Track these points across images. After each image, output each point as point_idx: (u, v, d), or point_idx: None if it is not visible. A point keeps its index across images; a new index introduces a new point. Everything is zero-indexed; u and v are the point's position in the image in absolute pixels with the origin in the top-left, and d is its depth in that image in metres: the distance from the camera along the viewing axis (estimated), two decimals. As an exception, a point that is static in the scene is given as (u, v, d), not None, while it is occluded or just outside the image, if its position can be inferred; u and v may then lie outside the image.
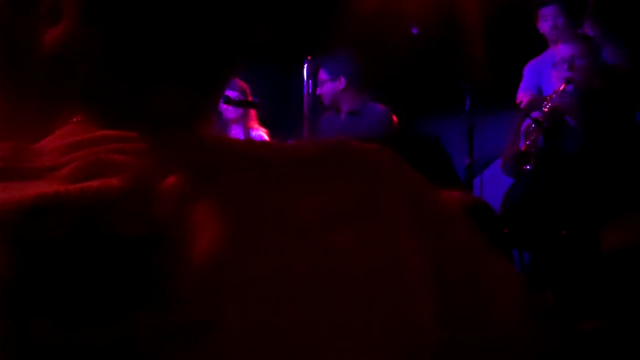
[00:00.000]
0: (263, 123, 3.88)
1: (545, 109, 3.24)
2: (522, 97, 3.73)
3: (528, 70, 3.79)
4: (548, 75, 3.48)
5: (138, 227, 0.42)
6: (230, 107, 3.71)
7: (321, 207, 0.47)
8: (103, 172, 0.44)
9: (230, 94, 3.61)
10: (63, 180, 0.44)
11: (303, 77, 3.30)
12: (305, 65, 3.30)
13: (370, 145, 0.51)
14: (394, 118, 3.88)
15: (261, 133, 3.79)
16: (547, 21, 3.57)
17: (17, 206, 0.42)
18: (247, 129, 3.79)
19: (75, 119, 0.48)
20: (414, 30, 4.37)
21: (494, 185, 3.54)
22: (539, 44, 3.75)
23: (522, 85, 3.79)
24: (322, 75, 3.92)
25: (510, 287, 0.52)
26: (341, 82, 3.93)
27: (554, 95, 3.28)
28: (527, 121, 3.31)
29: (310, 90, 3.34)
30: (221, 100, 3.52)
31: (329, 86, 3.93)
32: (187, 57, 0.49)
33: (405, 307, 0.46)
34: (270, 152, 0.49)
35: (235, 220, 0.44)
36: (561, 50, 3.37)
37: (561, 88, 3.26)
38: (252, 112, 3.85)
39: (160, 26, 0.48)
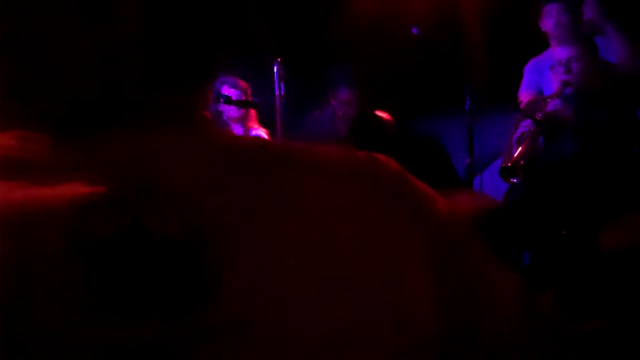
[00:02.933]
0: (263, 123, 3.88)
1: (540, 114, 3.24)
2: (524, 96, 3.73)
3: (528, 69, 3.79)
4: (548, 75, 3.48)
5: (183, 228, 0.43)
6: (230, 107, 3.71)
7: (331, 214, 0.48)
8: (149, 172, 0.45)
9: (231, 93, 3.61)
10: (110, 178, 0.44)
11: (274, 78, 3.31)
12: (275, 67, 3.31)
13: (379, 156, 0.52)
14: (390, 119, 3.87)
15: (261, 133, 3.79)
16: (551, 17, 3.56)
17: (68, 203, 0.42)
18: (247, 129, 3.79)
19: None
20: (414, 30, 4.37)
21: (494, 185, 3.54)
22: (540, 44, 3.75)
23: (523, 84, 3.78)
24: (349, 95, 3.86)
25: (511, 292, 0.53)
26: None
27: (549, 101, 3.28)
28: (519, 130, 3.30)
29: (282, 92, 3.35)
30: (221, 100, 3.53)
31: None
32: (185, 49, 0.49)
33: (407, 314, 0.47)
34: (283, 155, 0.50)
35: (269, 221, 0.46)
36: (558, 53, 3.37)
37: (558, 91, 3.26)
38: (252, 112, 3.85)
39: (177, 21, 0.48)
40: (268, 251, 0.44)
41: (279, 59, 3.31)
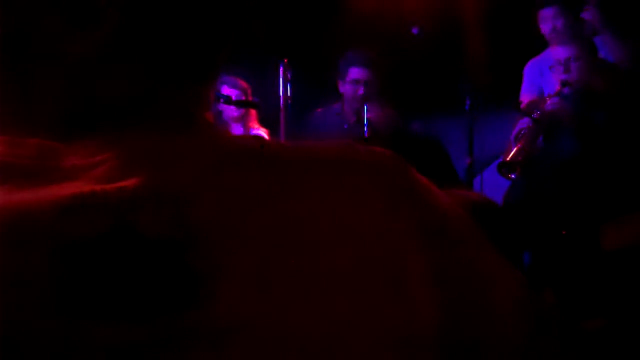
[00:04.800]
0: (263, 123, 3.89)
1: (537, 113, 3.24)
2: (525, 98, 3.73)
3: (528, 70, 3.80)
4: (548, 75, 3.49)
5: (173, 229, 0.43)
6: (230, 107, 3.71)
7: (329, 209, 0.47)
8: (138, 171, 0.44)
9: (231, 93, 3.61)
10: (98, 180, 0.44)
11: (279, 78, 3.31)
12: (281, 68, 3.30)
13: (379, 149, 0.52)
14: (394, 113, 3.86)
15: (261, 133, 3.79)
16: (546, 23, 3.57)
17: (54, 205, 0.42)
18: (247, 129, 3.79)
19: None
20: (414, 30, 4.37)
21: (494, 185, 3.55)
22: (539, 44, 3.75)
23: (524, 85, 3.79)
24: (361, 73, 3.80)
25: (511, 289, 0.53)
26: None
27: (547, 100, 3.28)
28: (518, 127, 3.31)
29: (288, 93, 3.34)
30: (221, 100, 3.53)
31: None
32: (184, 49, 0.49)
33: (406, 308, 0.47)
34: (281, 152, 0.50)
35: (263, 221, 0.45)
36: (557, 53, 3.38)
37: (557, 90, 3.27)
38: (253, 112, 3.86)
39: (173, 20, 0.47)
40: (264, 251, 0.44)
41: (285, 60, 3.31)
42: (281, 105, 3.37)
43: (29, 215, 0.42)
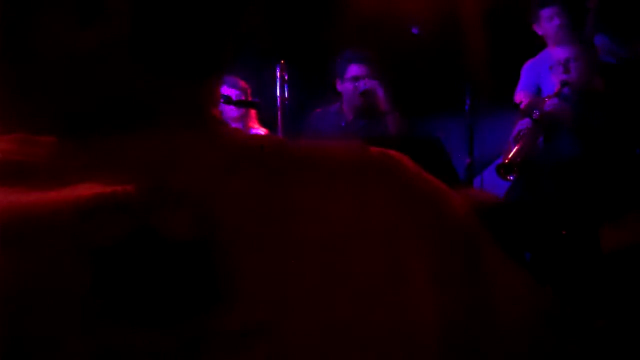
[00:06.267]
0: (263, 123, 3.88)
1: (537, 113, 3.24)
2: (521, 96, 3.74)
3: (526, 70, 3.80)
4: (547, 75, 3.49)
5: (194, 229, 0.42)
6: (230, 107, 3.71)
7: (342, 211, 0.47)
8: (154, 171, 0.44)
9: (231, 93, 3.61)
10: (114, 181, 0.43)
11: (276, 79, 3.31)
12: (278, 69, 3.30)
13: (389, 151, 0.52)
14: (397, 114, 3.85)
15: (261, 133, 3.79)
16: (551, 21, 3.58)
17: (73, 207, 0.41)
18: (247, 129, 3.79)
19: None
20: (414, 30, 4.36)
21: (494, 185, 3.55)
22: (538, 44, 3.75)
23: (520, 84, 3.79)
24: (360, 70, 3.75)
25: (515, 288, 0.53)
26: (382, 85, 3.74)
27: (547, 100, 3.28)
28: (518, 127, 3.30)
29: (285, 94, 3.33)
30: (222, 100, 3.53)
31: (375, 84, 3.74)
32: (190, 44, 0.49)
33: (409, 309, 0.47)
34: (295, 153, 0.50)
35: (282, 220, 0.45)
36: (557, 53, 3.38)
37: (557, 91, 3.27)
38: (253, 112, 3.85)
39: (180, 16, 0.47)
40: (281, 251, 0.44)
41: (282, 61, 3.31)
42: (278, 106, 3.38)
43: (50, 216, 0.41)
